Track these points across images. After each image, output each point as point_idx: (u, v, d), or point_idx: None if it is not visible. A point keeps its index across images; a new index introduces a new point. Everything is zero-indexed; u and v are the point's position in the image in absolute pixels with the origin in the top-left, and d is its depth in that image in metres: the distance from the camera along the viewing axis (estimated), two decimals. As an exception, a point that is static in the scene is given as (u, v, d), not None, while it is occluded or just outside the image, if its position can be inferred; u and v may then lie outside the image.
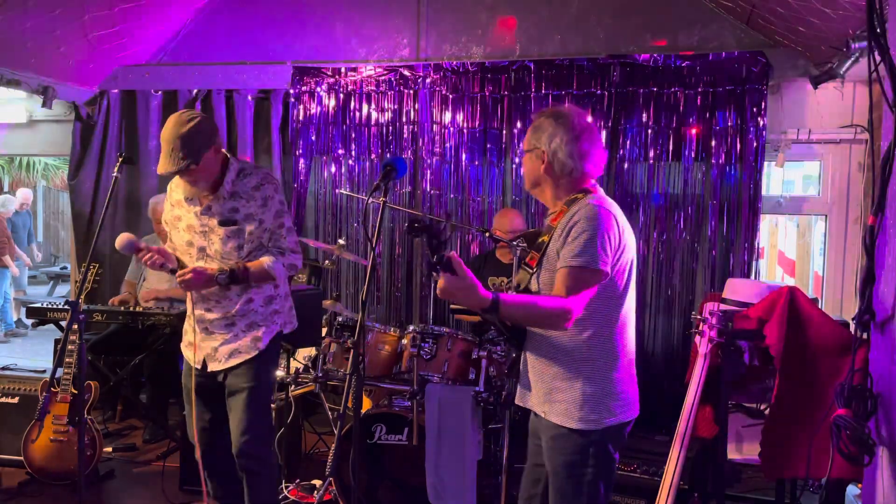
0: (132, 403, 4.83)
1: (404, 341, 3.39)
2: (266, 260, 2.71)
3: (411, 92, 4.79)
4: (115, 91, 5.20)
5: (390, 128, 4.84)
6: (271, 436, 2.92)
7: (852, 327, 2.42)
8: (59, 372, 3.44)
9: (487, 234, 3.49)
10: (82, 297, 3.10)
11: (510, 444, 3.03)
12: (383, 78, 4.81)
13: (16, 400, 3.93)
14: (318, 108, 4.92)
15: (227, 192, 2.69)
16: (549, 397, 2.07)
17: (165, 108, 5.12)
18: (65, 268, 11.12)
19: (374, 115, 4.86)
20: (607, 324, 2.03)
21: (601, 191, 2.12)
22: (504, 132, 4.68)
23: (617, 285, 2.02)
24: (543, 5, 4.71)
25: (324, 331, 3.67)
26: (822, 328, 2.83)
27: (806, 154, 4.57)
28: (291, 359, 3.92)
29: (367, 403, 3.79)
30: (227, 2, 5.14)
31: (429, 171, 4.79)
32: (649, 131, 4.45)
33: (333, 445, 3.20)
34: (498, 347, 3.35)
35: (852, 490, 3.04)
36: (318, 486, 3.64)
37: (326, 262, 4.32)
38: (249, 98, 5.06)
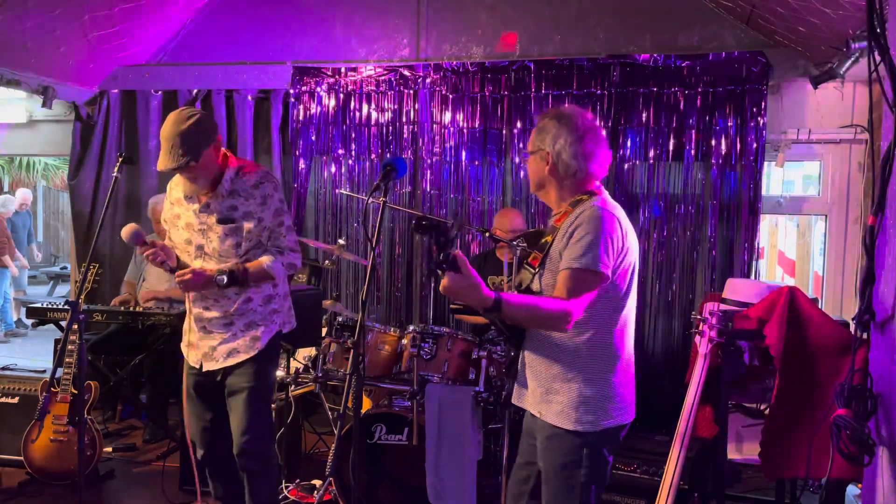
0: (132, 403, 4.83)
1: (404, 341, 3.39)
2: (265, 260, 2.71)
3: (411, 92, 4.79)
4: (115, 91, 5.20)
5: (390, 128, 4.84)
6: (272, 435, 2.92)
7: (852, 327, 2.42)
8: (59, 372, 3.44)
9: (487, 234, 3.49)
10: (82, 297, 3.10)
11: (510, 444, 3.02)
12: (383, 78, 4.81)
13: (16, 400, 3.93)
14: (318, 108, 4.92)
15: (226, 189, 2.69)
16: (546, 398, 2.07)
17: (165, 108, 5.11)
18: (65, 268, 11.12)
19: (374, 115, 4.86)
20: (607, 326, 2.03)
21: (606, 193, 2.12)
22: (504, 132, 4.68)
23: (618, 288, 2.02)
24: (543, 5, 4.71)
25: (324, 331, 3.67)
26: (822, 328, 2.83)
27: (806, 154, 4.57)
28: (291, 359, 3.93)
29: (367, 403, 3.79)
30: (227, 2, 5.14)
31: (429, 171, 4.79)
32: (649, 131, 4.45)
33: (333, 445, 3.20)
34: (498, 347, 3.35)
35: (852, 490, 3.04)
36: (318, 486, 3.64)
37: (326, 262, 4.32)
38: (249, 98, 5.06)
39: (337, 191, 4.90)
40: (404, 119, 4.81)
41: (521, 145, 4.63)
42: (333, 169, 4.95)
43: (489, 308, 1.89)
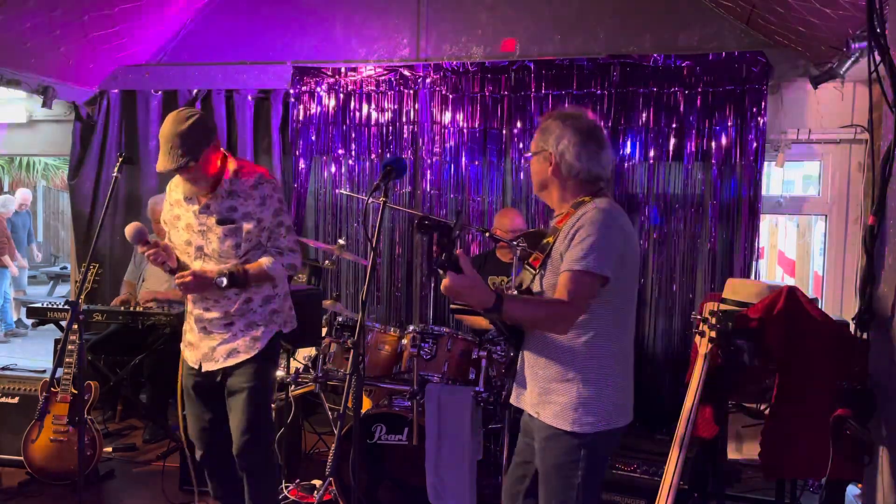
0: (132, 403, 4.83)
1: (404, 341, 3.39)
2: (265, 261, 2.71)
3: (411, 92, 4.79)
4: (115, 91, 5.20)
5: (390, 128, 4.84)
6: (272, 435, 2.92)
7: (852, 327, 2.42)
8: (59, 372, 3.44)
9: (487, 234, 3.49)
10: (82, 297, 3.10)
11: (510, 444, 3.02)
12: (383, 78, 4.81)
13: (16, 400, 3.93)
14: (318, 108, 4.92)
15: (225, 190, 2.68)
16: (544, 398, 2.07)
17: (165, 108, 5.11)
18: (65, 268, 11.12)
19: (374, 115, 4.86)
20: (608, 328, 2.03)
21: (608, 194, 2.11)
22: (504, 132, 4.68)
23: (619, 291, 2.02)
24: (543, 5, 4.71)
25: (324, 331, 3.67)
26: (822, 328, 2.83)
27: (806, 154, 4.57)
28: (291, 359, 3.92)
29: (367, 403, 3.79)
30: (227, 2, 5.14)
31: (429, 171, 4.79)
32: (649, 131, 4.45)
33: (333, 445, 3.20)
34: (498, 347, 3.35)
35: (852, 490, 3.05)
36: (318, 486, 3.63)
37: (326, 262, 4.32)
38: (249, 98, 5.06)
39: (337, 191, 4.90)
40: (404, 119, 4.81)
41: (521, 145, 4.64)
42: (333, 169, 4.95)
43: (490, 308, 1.89)
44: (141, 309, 4.26)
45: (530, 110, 4.59)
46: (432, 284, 4.79)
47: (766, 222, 5.94)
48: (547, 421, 2.06)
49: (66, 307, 4.16)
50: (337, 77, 4.86)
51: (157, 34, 5.08)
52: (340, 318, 3.62)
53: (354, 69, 4.85)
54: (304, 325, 3.05)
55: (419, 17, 4.87)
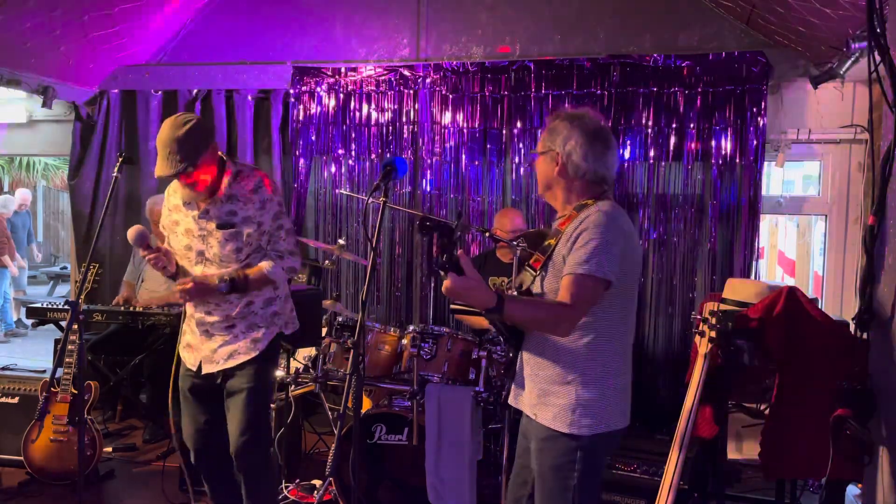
0: (132, 403, 4.83)
1: (404, 341, 3.39)
2: (265, 266, 2.71)
3: (411, 92, 4.79)
4: (115, 91, 5.20)
5: (390, 128, 4.84)
6: (270, 436, 2.91)
7: (852, 327, 2.42)
8: (59, 372, 3.44)
9: (487, 234, 3.49)
10: (82, 297, 3.10)
11: (510, 444, 3.02)
12: (383, 78, 4.81)
13: (16, 400, 3.93)
14: (318, 108, 4.92)
15: (225, 194, 2.68)
16: (543, 399, 2.07)
17: (165, 108, 5.12)
18: (65, 268, 11.12)
19: (374, 115, 4.86)
20: (608, 331, 2.03)
21: (611, 197, 2.11)
22: (504, 132, 4.68)
23: (620, 294, 2.02)
24: (543, 5, 4.71)
25: (324, 331, 3.67)
26: (822, 328, 2.83)
27: (806, 154, 4.57)
28: (291, 359, 3.92)
29: (367, 403, 3.79)
30: (227, 2, 5.14)
31: (429, 171, 4.79)
32: (649, 131, 4.45)
33: (333, 445, 3.20)
34: (498, 347, 3.35)
35: (852, 490, 3.05)
36: (318, 486, 3.64)
37: (326, 262, 4.32)
38: (249, 98, 5.05)
39: (337, 191, 4.90)
40: (404, 119, 4.81)
41: (520, 145, 4.64)
42: (333, 169, 4.95)
43: (491, 310, 1.89)
44: (141, 309, 4.26)
45: (530, 110, 4.59)
46: (432, 284, 4.79)
47: (766, 222, 5.94)
48: (545, 422, 2.06)
49: (66, 307, 4.16)
50: (337, 77, 4.86)
51: (157, 34, 5.08)
52: (340, 318, 3.62)
53: (354, 69, 4.85)
54: (304, 325, 3.05)
55: (419, 17, 4.87)
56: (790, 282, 5.88)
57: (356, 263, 4.84)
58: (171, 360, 2.90)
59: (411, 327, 3.41)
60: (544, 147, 2.12)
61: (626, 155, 4.48)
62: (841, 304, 4.43)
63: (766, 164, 4.37)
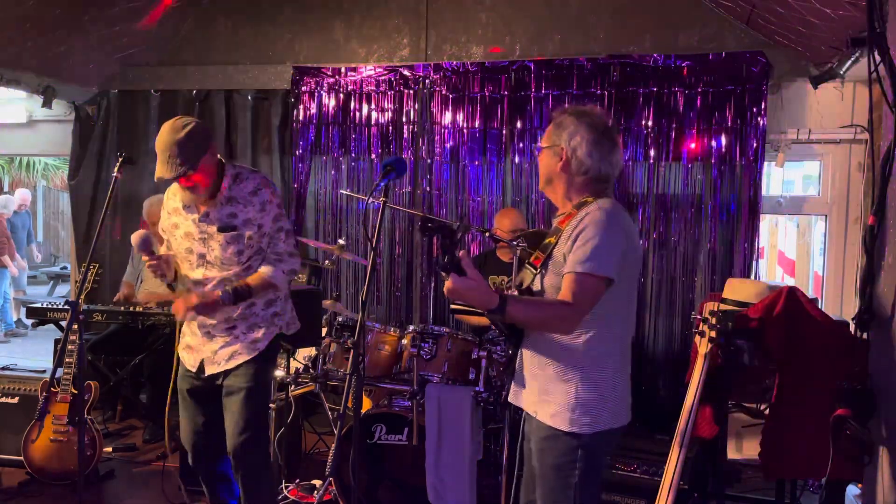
0: (132, 403, 4.83)
1: (404, 341, 3.39)
2: (266, 271, 2.71)
3: (411, 92, 4.79)
4: (115, 91, 5.20)
5: (390, 128, 4.84)
6: (267, 436, 2.91)
7: (852, 327, 2.42)
8: (59, 372, 3.44)
9: (487, 234, 3.49)
10: (82, 297, 3.10)
11: (510, 444, 3.03)
12: (383, 78, 4.81)
13: (16, 400, 3.93)
14: (318, 109, 4.92)
15: (224, 197, 2.68)
16: (543, 397, 2.07)
17: (165, 108, 5.11)
18: (65, 268, 11.12)
19: (374, 115, 4.86)
20: (608, 329, 2.03)
21: (611, 195, 2.11)
22: (504, 132, 4.68)
23: (621, 292, 2.02)
24: (543, 5, 4.71)
25: (324, 331, 3.67)
26: (822, 328, 2.83)
27: (806, 154, 4.57)
28: (291, 359, 3.92)
29: (367, 403, 3.79)
30: (228, 2, 5.14)
31: (429, 172, 4.79)
32: (649, 131, 4.45)
33: (333, 445, 3.20)
34: (498, 347, 3.35)
35: (852, 490, 3.05)
36: (318, 486, 3.63)
37: (326, 262, 4.32)
38: (249, 98, 5.05)
39: (339, 191, 4.90)
40: (404, 119, 4.81)
41: (520, 145, 4.64)
42: (333, 169, 4.95)
43: (493, 310, 1.89)
44: (141, 309, 4.26)
45: (530, 110, 4.59)
46: (432, 284, 4.79)
47: (766, 222, 5.94)
48: (545, 421, 2.06)
49: (66, 307, 4.16)
50: (337, 77, 4.86)
51: (156, 34, 5.08)
52: (340, 318, 3.62)
53: (354, 69, 4.85)
54: (304, 325, 3.05)
55: (419, 17, 4.87)
56: (790, 282, 5.88)
57: (356, 263, 4.84)
58: (170, 360, 2.90)
59: (411, 327, 3.41)
60: (549, 141, 2.12)
61: (626, 155, 4.48)
62: (841, 304, 4.43)
63: (766, 163, 4.37)
